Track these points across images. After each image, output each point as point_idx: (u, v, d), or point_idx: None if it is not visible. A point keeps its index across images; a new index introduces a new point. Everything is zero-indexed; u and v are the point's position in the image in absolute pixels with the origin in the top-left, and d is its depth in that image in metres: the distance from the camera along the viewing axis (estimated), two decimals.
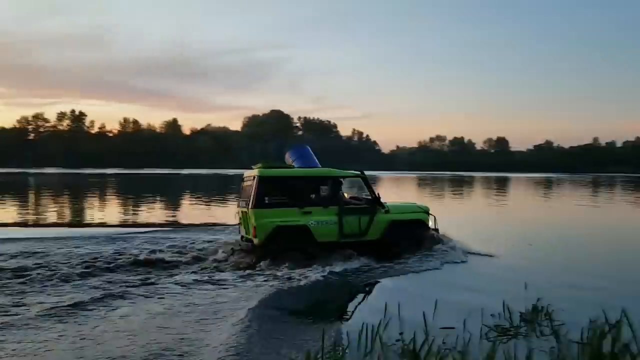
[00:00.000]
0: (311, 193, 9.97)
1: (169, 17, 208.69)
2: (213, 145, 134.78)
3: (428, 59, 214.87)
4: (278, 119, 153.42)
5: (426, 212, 10.90)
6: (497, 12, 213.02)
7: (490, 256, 10.78)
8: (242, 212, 10.10)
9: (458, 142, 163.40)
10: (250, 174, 9.93)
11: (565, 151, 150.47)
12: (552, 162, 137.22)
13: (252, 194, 9.42)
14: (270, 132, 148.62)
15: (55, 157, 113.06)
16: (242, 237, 10.35)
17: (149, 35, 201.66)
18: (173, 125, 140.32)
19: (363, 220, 9.99)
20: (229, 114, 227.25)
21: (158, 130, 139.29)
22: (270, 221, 9.32)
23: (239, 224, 10.62)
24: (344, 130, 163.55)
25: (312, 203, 9.79)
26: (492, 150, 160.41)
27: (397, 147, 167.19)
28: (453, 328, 5.71)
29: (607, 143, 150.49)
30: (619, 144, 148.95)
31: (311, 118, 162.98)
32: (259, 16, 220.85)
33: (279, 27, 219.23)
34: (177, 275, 8.80)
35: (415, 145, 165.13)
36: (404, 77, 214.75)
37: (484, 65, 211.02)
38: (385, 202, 10.51)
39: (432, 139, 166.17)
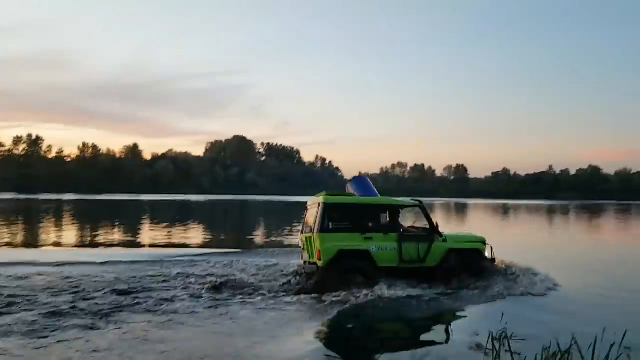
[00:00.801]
0: (372, 220, 10.42)
1: (130, 40, 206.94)
2: (174, 170, 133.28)
3: (391, 86, 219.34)
4: (241, 144, 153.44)
5: (483, 242, 11.04)
6: (459, 40, 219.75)
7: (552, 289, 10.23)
8: (306, 237, 10.54)
9: (419, 168, 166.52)
10: (315, 201, 10.41)
11: (521, 179, 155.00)
12: (508, 190, 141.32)
13: (317, 219, 9.89)
14: (233, 157, 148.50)
15: (9, 182, 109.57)
16: (304, 262, 10.77)
17: (110, 59, 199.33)
18: (133, 150, 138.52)
19: (422, 248, 10.28)
20: (192, 139, 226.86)
21: (118, 155, 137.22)
22: (334, 245, 9.71)
23: (302, 249, 11.00)
24: (307, 156, 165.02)
25: (373, 229, 10.19)
26: (452, 177, 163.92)
27: (360, 173, 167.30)
28: None
29: (561, 171, 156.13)
30: (572, 172, 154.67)
31: (274, 144, 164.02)
32: (221, 41, 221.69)
33: (242, 52, 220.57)
34: (243, 300, 8.93)
35: (377, 171, 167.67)
36: (368, 103, 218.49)
37: (446, 94, 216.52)
38: (443, 232, 10.78)
39: (393, 165, 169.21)
